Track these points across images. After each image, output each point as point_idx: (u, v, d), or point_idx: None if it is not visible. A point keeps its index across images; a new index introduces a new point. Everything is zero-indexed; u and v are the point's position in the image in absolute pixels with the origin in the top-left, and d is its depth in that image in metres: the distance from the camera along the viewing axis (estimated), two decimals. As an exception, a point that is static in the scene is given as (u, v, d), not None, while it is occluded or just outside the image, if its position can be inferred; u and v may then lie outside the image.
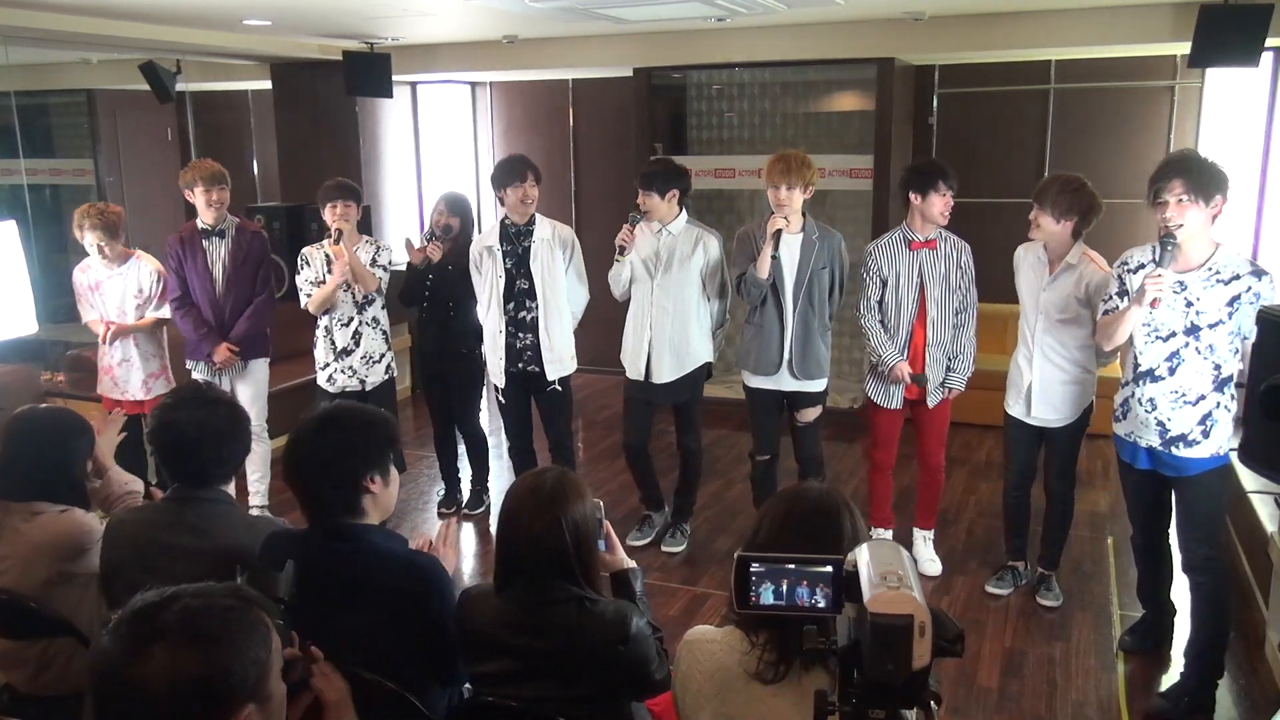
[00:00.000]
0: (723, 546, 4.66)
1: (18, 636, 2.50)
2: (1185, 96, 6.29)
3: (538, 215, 4.45)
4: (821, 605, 1.33)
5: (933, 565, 4.33)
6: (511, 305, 4.44)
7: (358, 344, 4.64)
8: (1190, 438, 3.15)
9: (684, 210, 4.37)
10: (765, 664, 1.72)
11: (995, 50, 6.00)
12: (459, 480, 5.23)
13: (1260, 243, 5.91)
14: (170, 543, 2.25)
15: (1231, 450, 3.21)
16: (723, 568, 4.39)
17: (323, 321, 4.64)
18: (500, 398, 4.65)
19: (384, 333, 4.73)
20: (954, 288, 4.05)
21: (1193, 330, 3.09)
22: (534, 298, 4.42)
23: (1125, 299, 3.23)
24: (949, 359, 4.11)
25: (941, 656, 1.27)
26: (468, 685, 2.21)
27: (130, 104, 7.45)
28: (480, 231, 5.01)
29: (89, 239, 4.46)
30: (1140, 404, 3.22)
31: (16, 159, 6.51)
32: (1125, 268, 3.27)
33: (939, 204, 3.96)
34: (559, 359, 4.48)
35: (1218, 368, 3.10)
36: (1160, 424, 3.18)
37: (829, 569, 1.33)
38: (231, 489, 2.43)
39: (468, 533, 4.99)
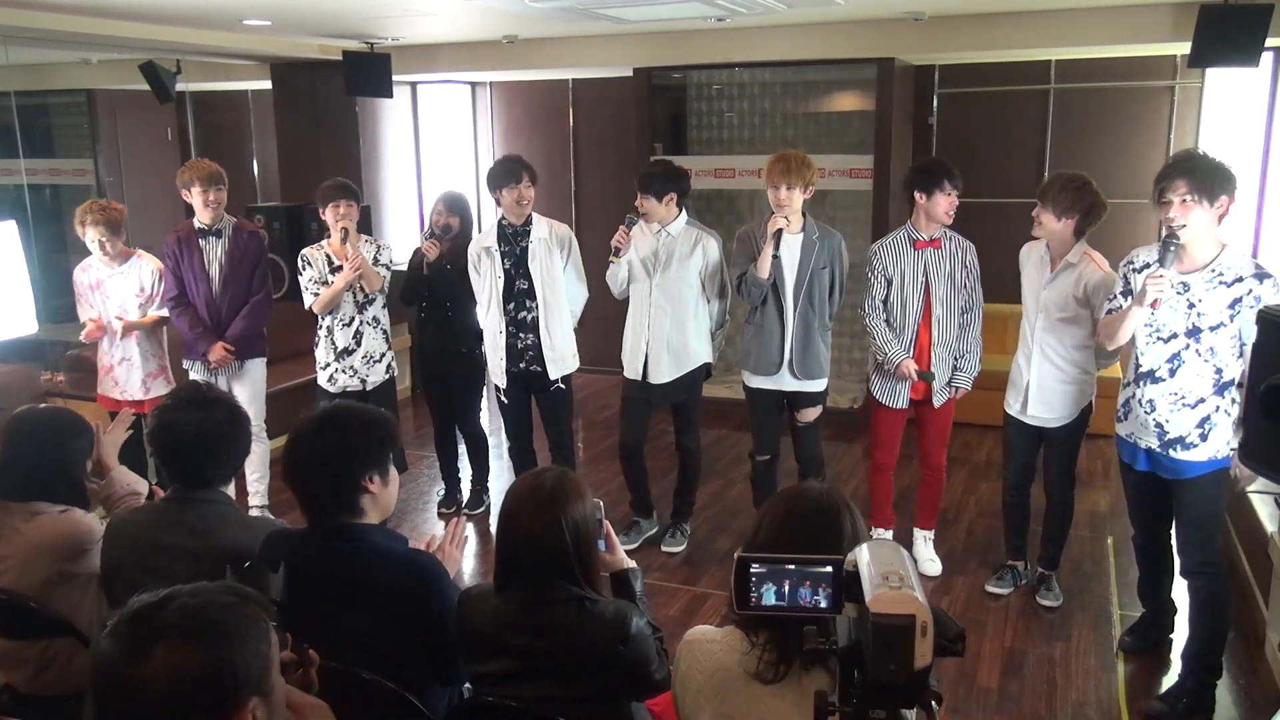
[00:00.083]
0: (723, 546, 4.66)
1: (18, 636, 2.50)
2: (1185, 96, 6.29)
3: (534, 215, 4.45)
4: (824, 606, 1.33)
5: (933, 565, 4.33)
6: (511, 305, 4.44)
7: (359, 343, 4.64)
8: (1188, 440, 3.14)
9: (683, 211, 4.37)
10: (765, 664, 1.72)
11: (995, 50, 6.00)
12: (459, 480, 5.23)
13: (1260, 243, 5.90)
14: (170, 543, 2.25)
15: (1232, 451, 3.19)
16: (723, 568, 4.39)
17: (325, 322, 4.64)
18: (501, 398, 4.65)
19: (384, 332, 4.73)
20: (959, 287, 4.05)
21: (1194, 332, 3.08)
22: (533, 298, 4.42)
23: (1129, 298, 3.22)
24: (955, 359, 4.11)
25: (943, 656, 1.27)
26: (468, 685, 2.21)
27: (130, 104, 7.45)
28: (480, 231, 5.02)
29: (90, 234, 4.46)
30: (1140, 405, 3.22)
31: (16, 159, 6.51)
32: (1131, 267, 3.26)
33: (944, 203, 3.96)
34: (560, 358, 4.49)
35: (1219, 371, 3.08)
36: (1159, 425, 3.18)
37: (829, 569, 1.33)
38: (231, 489, 2.44)
39: (468, 533, 4.99)
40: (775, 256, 3.99)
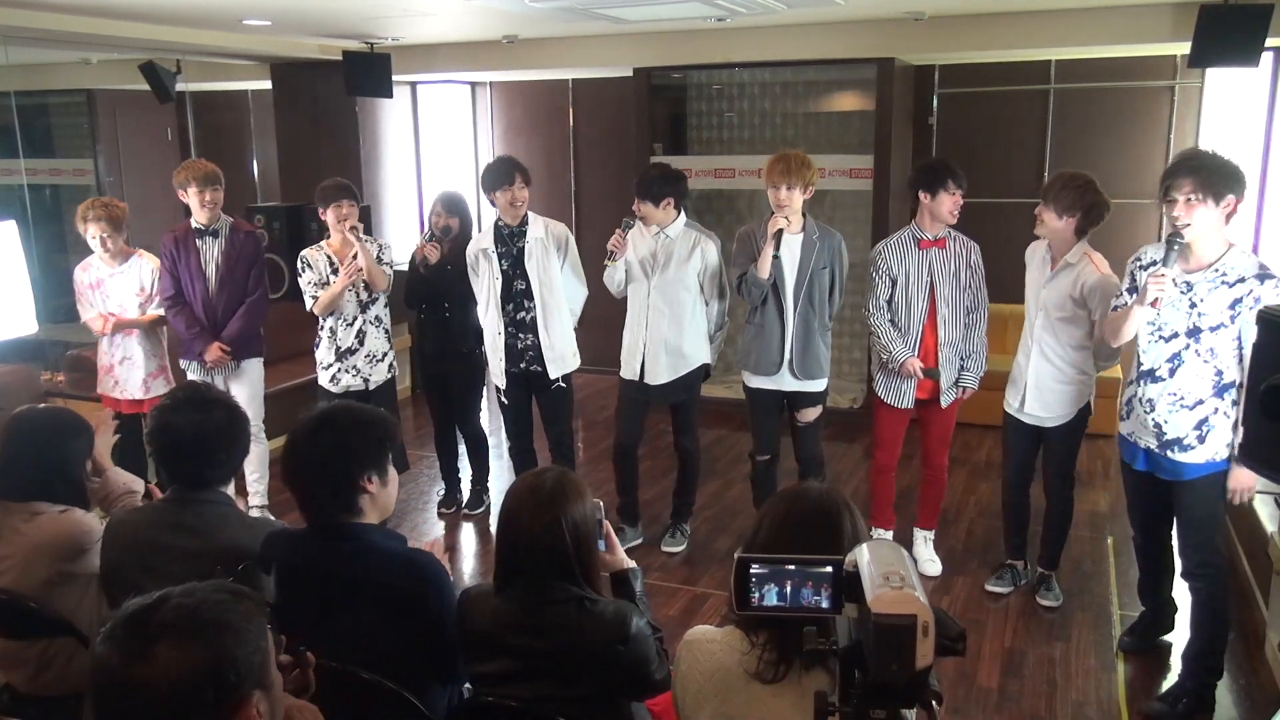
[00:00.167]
0: (723, 546, 4.66)
1: (18, 636, 2.50)
2: (1185, 96, 6.29)
3: (531, 214, 4.44)
4: (825, 606, 1.33)
5: (932, 565, 4.33)
6: (510, 306, 4.44)
7: (362, 343, 4.64)
8: (1185, 442, 3.13)
9: (681, 213, 4.37)
10: (765, 664, 1.72)
11: (995, 50, 6.00)
12: (459, 480, 5.23)
13: (1260, 243, 5.91)
14: (169, 543, 2.25)
15: (1231, 456, 3.17)
16: (723, 568, 4.39)
17: (327, 322, 4.63)
18: (502, 398, 4.65)
19: (386, 331, 4.74)
20: (964, 286, 4.05)
21: (1194, 332, 3.06)
22: (531, 298, 4.42)
23: (1135, 296, 3.21)
24: (962, 359, 4.11)
25: (944, 656, 1.27)
26: (468, 685, 2.21)
27: (130, 104, 7.45)
28: (480, 230, 5.02)
29: (92, 230, 4.46)
30: (1141, 404, 3.21)
31: (16, 159, 6.51)
32: (1138, 264, 3.23)
33: (948, 203, 3.96)
34: (560, 357, 4.49)
35: (1219, 374, 3.06)
36: (1157, 426, 3.17)
37: (829, 569, 1.33)
38: (231, 489, 2.43)
39: (468, 533, 4.99)
40: (775, 257, 3.99)
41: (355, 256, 4.46)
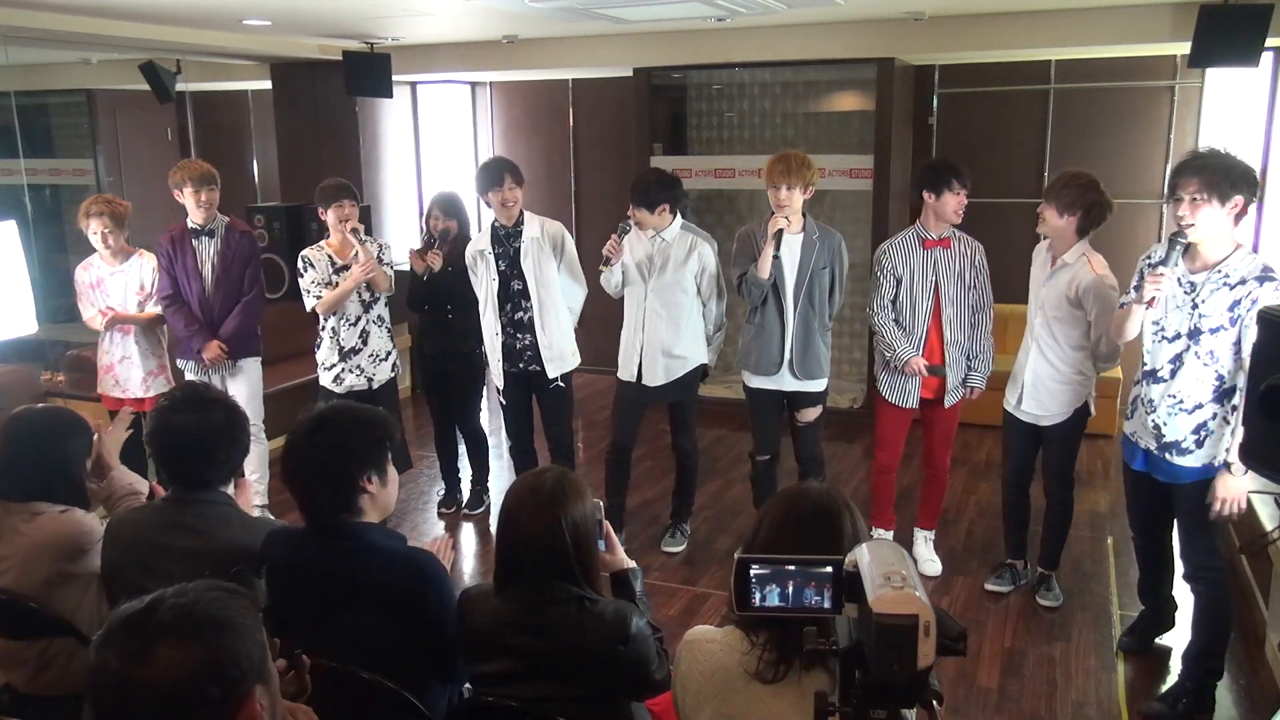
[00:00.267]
0: (723, 546, 4.66)
1: (18, 636, 2.50)
2: (1185, 96, 6.29)
3: (527, 214, 4.44)
4: (825, 606, 1.33)
5: (932, 565, 4.33)
6: (508, 306, 4.44)
7: (365, 343, 4.64)
8: (1183, 445, 3.11)
9: (678, 216, 4.36)
10: (765, 664, 1.72)
11: (995, 50, 6.00)
12: (459, 480, 5.23)
13: (1260, 242, 5.90)
14: (169, 544, 2.25)
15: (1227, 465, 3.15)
16: (723, 568, 4.39)
17: (329, 323, 4.62)
18: (502, 398, 4.65)
19: (389, 330, 4.74)
20: (969, 286, 4.04)
21: (1195, 334, 3.04)
22: (529, 298, 4.42)
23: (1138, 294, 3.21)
24: (969, 359, 4.11)
25: (945, 655, 1.27)
26: (468, 685, 2.21)
27: (130, 104, 7.45)
28: (480, 229, 5.02)
29: (94, 226, 4.46)
30: (1143, 403, 3.21)
31: (16, 159, 6.51)
32: (1147, 262, 3.21)
33: (953, 202, 3.96)
34: (559, 356, 4.49)
35: (1220, 378, 3.03)
36: (1156, 427, 3.16)
37: (829, 569, 1.33)
38: (231, 489, 2.43)
39: (468, 533, 4.99)
40: (775, 257, 3.99)
41: (360, 254, 4.46)
